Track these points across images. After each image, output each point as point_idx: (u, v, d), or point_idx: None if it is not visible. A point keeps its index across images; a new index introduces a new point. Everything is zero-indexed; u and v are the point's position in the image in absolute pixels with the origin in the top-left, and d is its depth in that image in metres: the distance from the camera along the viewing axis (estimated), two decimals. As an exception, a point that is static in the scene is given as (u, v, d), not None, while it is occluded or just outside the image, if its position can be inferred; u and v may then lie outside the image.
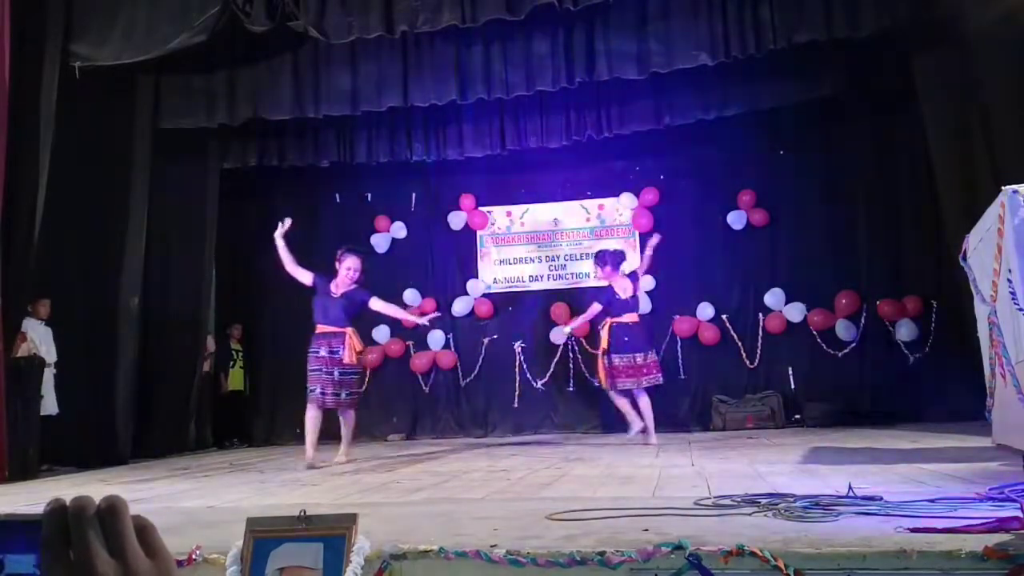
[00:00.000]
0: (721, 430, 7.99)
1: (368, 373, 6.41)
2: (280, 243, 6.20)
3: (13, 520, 0.59)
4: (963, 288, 4.81)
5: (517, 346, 9.02)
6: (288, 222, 6.24)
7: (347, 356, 5.98)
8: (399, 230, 9.46)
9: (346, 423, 6.17)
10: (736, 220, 8.73)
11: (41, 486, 5.53)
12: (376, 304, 6.25)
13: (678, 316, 8.70)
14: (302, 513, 1.95)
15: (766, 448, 5.76)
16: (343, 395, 6.01)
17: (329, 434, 8.99)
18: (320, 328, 6.10)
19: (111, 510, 0.58)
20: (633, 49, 6.89)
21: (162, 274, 8.26)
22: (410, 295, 9.24)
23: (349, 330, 6.04)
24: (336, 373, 5.97)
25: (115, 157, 7.48)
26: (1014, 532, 2.05)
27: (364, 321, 9.27)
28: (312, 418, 6.02)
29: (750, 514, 2.67)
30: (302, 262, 6.36)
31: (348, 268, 6.13)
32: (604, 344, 6.56)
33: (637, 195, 9.02)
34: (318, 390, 5.96)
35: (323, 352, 6.01)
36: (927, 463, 4.11)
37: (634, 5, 6.83)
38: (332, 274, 6.18)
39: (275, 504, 3.81)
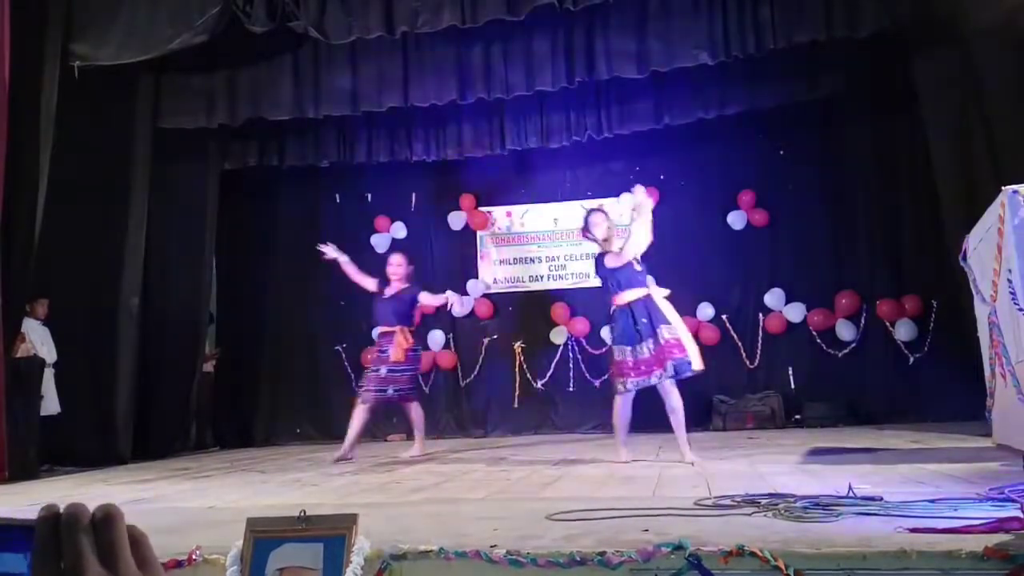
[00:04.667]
0: (721, 430, 7.98)
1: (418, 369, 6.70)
2: (342, 259, 6.61)
3: (8, 523, 0.59)
4: (963, 288, 4.81)
5: (517, 346, 9.02)
6: (328, 248, 6.62)
7: (393, 354, 6.21)
8: (399, 230, 9.45)
9: (412, 419, 6.48)
10: (736, 220, 8.72)
11: (41, 486, 5.53)
12: (424, 298, 6.63)
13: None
14: (302, 513, 1.95)
15: (766, 448, 5.76)
16: (389, 391, 6.26)
17: (333, 435, 8.98)
18: (377, 329, 6.53)
19: (107, 519, 0.57)
20: (633, 48, 6.89)
21: (162, 274, 8.26)
22: (410, 295, 9.24)
23: (398, 328, 6.28)
24: (383, 370, 6.24)
25: (115, 157, 7.48)
26: (1014, 532, 2.05)
27: (366, 320, 9.32)
28: (355, 414, 6.26)
29: (750, 514, 2.67)
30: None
31: (389, 265, 6.57)
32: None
33: (637, 195, 9.01)
34: (364, 386, 6.30)
35: (376, 353, 6.42)
36: (927, 463, 4.11)
37: (634, 4, 6.83)
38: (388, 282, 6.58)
39: (275, 504, 3.81)
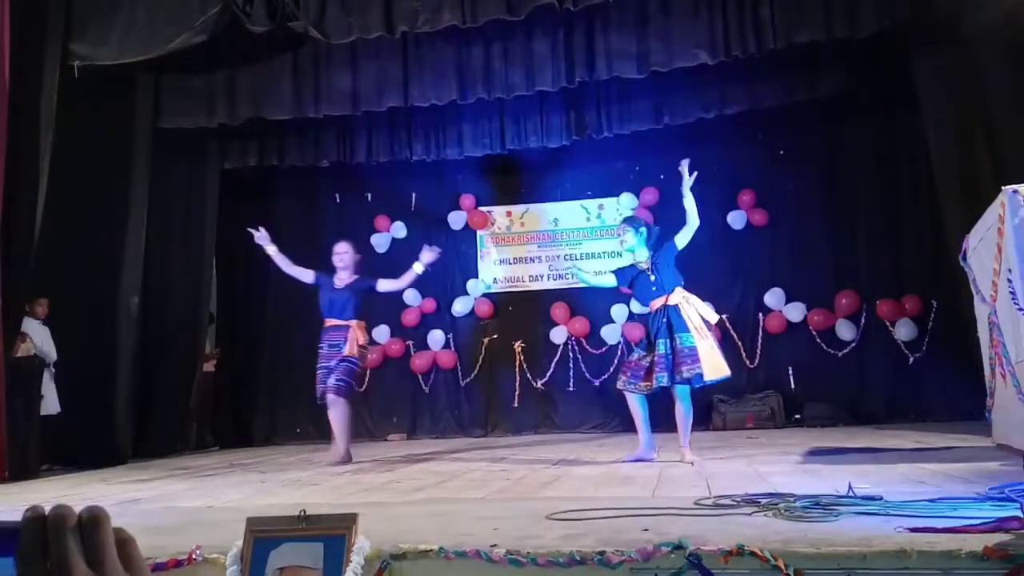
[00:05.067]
0: (721, 430, 7.98)
1: (367, 372, 6.01)
2: (270, 250, 6.15)
3: None
4: (963, 288, 4.81)
5: (517, 346, 9.02)
6: (260, 233, 6.15)
7: (348, 348, 5.85)
8: (399, 230, 9.46)
9: (332, 416, 5.89)
10: (736, 220, 8.72)
11: (41, 486, 5.53)
12: (384, 285, 6.15)
13: (678, 316, 8.70)
14: (302, 513, 1.95)
15: (766, 448, 5.76)
16: (331, 380, 5.80)
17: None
18: (326, 323, 6.05)
19: (93, 521, 0.57)
20: (633, 48, 6.89)
21: (162, 274, 8.26)
22: (410, 295, 9.23)
23: (354, 323, 5.94)
24: (333, 363, 5.86)
25: (115, 157, 7.48)
26: (1014, 532, 2.05)
27: (366, 320, 9.32)
28: (332, 417, 5.89)
29: (750, 514, 2.67)
30: (301, 262, 6.33)
31: (336, 255, 6.11)
32: None
33: (637, 195, 9.02)
34: (320, 388, 5.90)
35: (325, 347, 5.96)
36: (927, 463, 4.11)
37: (634, 4, 6.83)
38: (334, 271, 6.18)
39: (275, 504, 3.81)
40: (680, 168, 5.25)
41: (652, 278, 5.18)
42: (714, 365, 4.96)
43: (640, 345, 5.25)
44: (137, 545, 0.60)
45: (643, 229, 5.29)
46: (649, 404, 5.18)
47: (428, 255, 6.14)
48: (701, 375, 4.92)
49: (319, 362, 5.98)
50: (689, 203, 5.18)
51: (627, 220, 5.51)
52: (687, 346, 4.93)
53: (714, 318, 5.26)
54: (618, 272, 5.42)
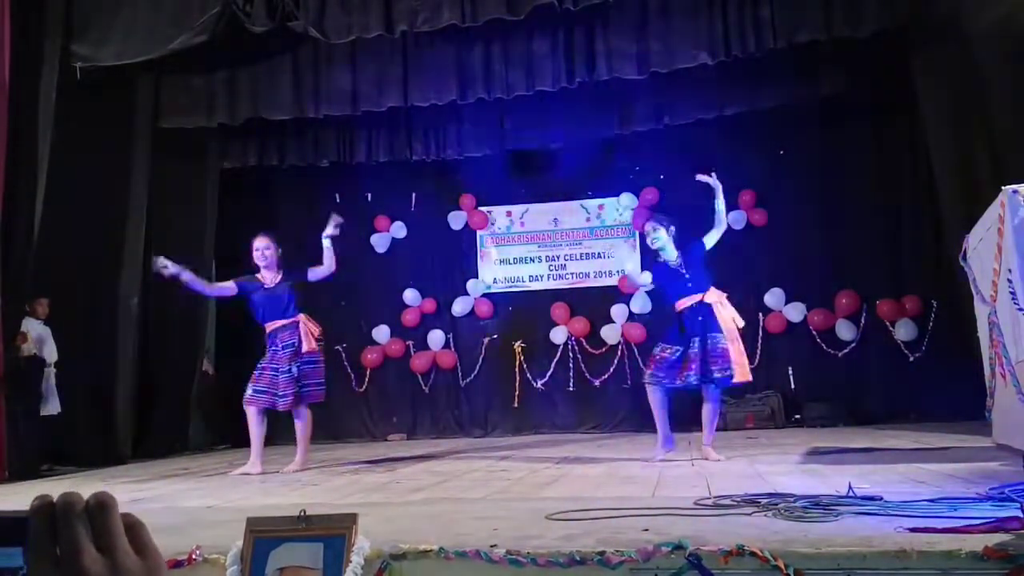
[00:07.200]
0: (721, 430, 7.94)
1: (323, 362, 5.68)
2: (185, 277, 5.72)
3: (1, 516, 0.59)
4: (963, 288, 4.81)
5: (517, 346, 9.02)
6: (162, 262, 5.70)
7: (306, 344, 5.48)
8: (399, 230, 9.46)
9: (302, 424, 5.64)
10: (736, 220, 8.70)
11: (41, 486, 5.53)
12: (314, 273, 5.68)
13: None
14: (302, 513, 1.95)
15: (766, 448, 5.76)
16: (303, 389, 5.50)
17: (333, 435, 8.92)
18: (269, 326, 5.62)
19: (100, 506, 0.58)
20: (633, 49, 6.89)
21: (162, 274, 8.26)
22: (410, 295, 9.24)
23: (301, 317, 5.55)
24: (294, 368, 5.48)
25: (115, 157, 7.48)
26: (1014, 532, 2.05)
27: (366, 320, 9.33)
28: (255, 424, 5.59)
29: (750, 514, 2.67)
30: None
31: (256, 250, 5.66)
32: None
33: (637, 195, 9.02)
34: (267, 393, 5.51)
35: (279, 349, 5.53)
36: (927, 463, 4.11)
37: (634, 5, 6.83)
38: (257, 270, 5.76)
39: (275, 504, 3.81)
40: (705, 178, 5.42)
41: (686, 275, 5.20)
42: (742, 368, 5.04)
43: (668, 339, 5.18)
44: (147, 529, 0.60)
45: (672, 227, 5.34)
46: (669, 402, 5.17)
47: (331, 226, 5.69)
48: (731, 376, 4.97)
49: (270, 364, 5.54)
50: (720, 206, 5.34)
51: (655, 219, 5.51)
52: (720, 346, 4.98)
53: (741, 323, 5.30)
54: (655, 268, 5.53)
